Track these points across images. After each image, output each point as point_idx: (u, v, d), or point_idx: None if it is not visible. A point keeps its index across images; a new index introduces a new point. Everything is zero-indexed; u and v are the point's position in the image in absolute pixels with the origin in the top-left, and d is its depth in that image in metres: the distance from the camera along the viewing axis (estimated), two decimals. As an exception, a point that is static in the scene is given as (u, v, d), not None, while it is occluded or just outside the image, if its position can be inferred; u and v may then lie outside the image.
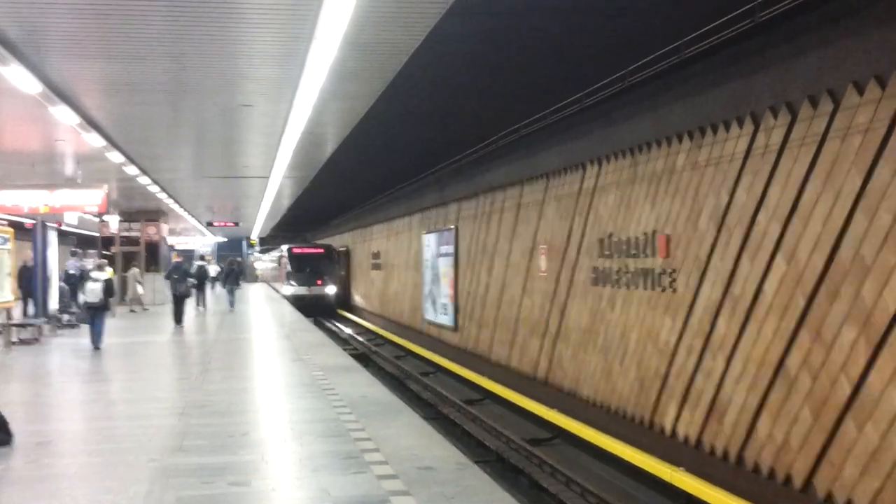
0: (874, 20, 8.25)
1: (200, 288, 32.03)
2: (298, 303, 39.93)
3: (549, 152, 16.52)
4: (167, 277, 26.17)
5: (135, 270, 31.75)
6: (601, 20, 9.98)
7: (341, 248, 48.66)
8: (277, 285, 57.43)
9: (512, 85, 13.49)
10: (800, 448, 9.13)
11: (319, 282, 43.80)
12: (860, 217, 8.35)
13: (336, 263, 46.49)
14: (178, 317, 23.93)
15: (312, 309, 39.65)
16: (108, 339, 18.29)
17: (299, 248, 46.79)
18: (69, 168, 19.73)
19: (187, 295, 24.88)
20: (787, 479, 9.34)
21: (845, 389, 8.47)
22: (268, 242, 72.55)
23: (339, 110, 13.74)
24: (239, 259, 37.11)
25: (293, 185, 26.15)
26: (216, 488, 6.93)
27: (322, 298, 43.50)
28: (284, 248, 47.42)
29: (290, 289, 43.82)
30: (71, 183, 19.86)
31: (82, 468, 7.80)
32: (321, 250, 46.55)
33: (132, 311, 30.04)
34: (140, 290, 30.97)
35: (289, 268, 44.81)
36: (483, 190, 20.90)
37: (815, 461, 8.88)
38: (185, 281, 24.81)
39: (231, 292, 32.33)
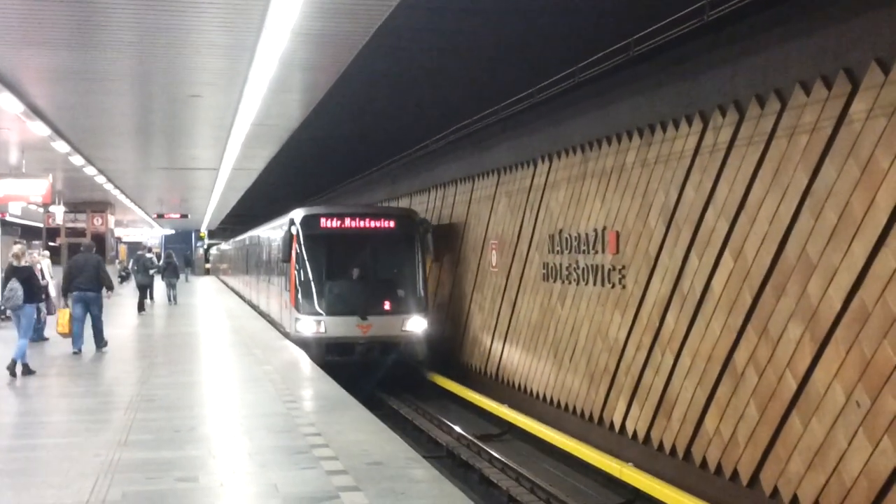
0: (821, 22, 8.36)
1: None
2: (335, 353, 17.33)
3: (500, 148, 16.54)
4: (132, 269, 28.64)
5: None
6: (551, 17, 10.00)
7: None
8: (233, 282, 40.15)
9: (463, 79, 13.49)
10: (746, 443, 9.25)
11: (388, 304, 18.26)
12: (806, 215, 8.47)
13: (430, 256, 19.42)
14: (141, 305, 26.12)
15: (371, 371, 17.70)
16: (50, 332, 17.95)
17: (335, 216, 18.98)
18: (13, 157, 19.37)
19: (147, 285, 27.32)
20: (734, 475, 9.46)
21: (791, 385, 8.59)
22: (217, 235, 71.79)
23: (289, 102, 13.60)
24: (172, 252, 35.79)
25: (243, 177, 25.93)
26: (163, 483, 6.83)
27: (396, 344, 17.86)
28: (295, 217, 18.81)
29: (311, 323, 17.80)
30: (15, 172, 19.54)
31: (26, 463, 7.65)
32: (391, 223, 19.10)
33: None
34: None
35: (303, 268, 18.38)
36: (434, 184, 20.86)
37: (762, 457, 9.00)
38: (146, 272, 26.97)
39: (170, 286, 31.16)
